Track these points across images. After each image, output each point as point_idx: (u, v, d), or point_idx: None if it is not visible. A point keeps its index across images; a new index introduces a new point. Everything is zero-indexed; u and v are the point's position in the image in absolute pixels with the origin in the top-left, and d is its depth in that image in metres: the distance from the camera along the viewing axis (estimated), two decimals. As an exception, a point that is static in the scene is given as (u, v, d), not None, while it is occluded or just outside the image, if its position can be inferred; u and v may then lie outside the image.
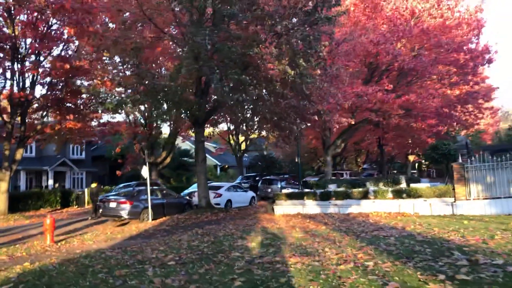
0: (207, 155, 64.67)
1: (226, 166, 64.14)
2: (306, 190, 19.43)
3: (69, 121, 22.82)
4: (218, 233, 12.33)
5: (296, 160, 66.21)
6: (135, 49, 17.51)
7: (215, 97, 18.14)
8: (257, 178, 40.47)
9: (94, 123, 29.36)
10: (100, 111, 26.56)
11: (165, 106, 16.29)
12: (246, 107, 15.76)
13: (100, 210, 20.01)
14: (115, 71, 20.04)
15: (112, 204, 19.42)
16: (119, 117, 39.30)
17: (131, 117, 31.72)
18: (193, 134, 38.23)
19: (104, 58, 21.39)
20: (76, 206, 30.26)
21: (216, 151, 59.57)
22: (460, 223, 12.31)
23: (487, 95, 31.85)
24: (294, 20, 16.59)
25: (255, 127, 18.13)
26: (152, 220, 18.95)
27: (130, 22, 17.32)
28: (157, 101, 15.13)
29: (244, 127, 17.99)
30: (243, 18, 14.93)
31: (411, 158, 59.26)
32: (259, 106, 16.26)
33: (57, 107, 21.90)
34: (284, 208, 18.74)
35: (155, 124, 29.50)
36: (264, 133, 28.92)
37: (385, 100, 24.89)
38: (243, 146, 47.52)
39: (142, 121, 32.72)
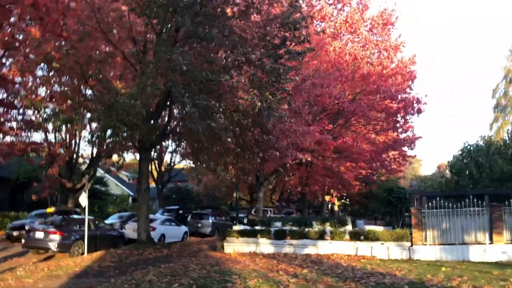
0: (119, 184, 61.00)
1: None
2: (257, 227, 18.52)
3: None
4: (190, 274, 10.97)
5: (218, 194, 65.01)
6: (92, 63, 15.94)
7: (171, 120, 16.91)
8: (180, 212, 38.57)
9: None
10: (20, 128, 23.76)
11: (117, 126, 14.61)
12: (211, 135, 14.68)
13: (23, 241, 17.40)
14: (56, 86, 17.92)
15: (39, 234, 17.02)
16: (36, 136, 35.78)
17: (52, 136, 28.76)
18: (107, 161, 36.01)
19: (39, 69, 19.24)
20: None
21: (133, 180, 56.71)
22: (435, 268, 12.20)
23: (411, 143, 33.63)
24: (262, 51, 16.09)
25: (207, 158, 16.94)
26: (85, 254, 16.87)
27: (83, 33, 15.72)
28: (114, 120, 13.54)
29: (202, 157, 16.66)
30: (219, 42, 14.14)
31: (327, 198, 60.96)
32: (225, 135, 15.30)
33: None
34: (235, 246, 17.64)
35: (89, 145, 26.88)
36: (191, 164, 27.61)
37: (322, 141, 25.14)
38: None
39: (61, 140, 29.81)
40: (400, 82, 28.81)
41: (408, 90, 29.78)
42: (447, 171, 51.19)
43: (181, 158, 42.67)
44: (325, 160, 28.70)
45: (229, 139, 15.73)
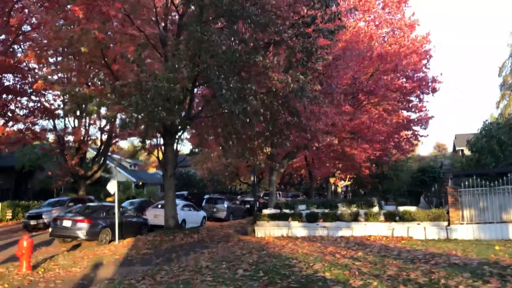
0: (121, 171, 60.52)
1: (140, 183, 60.90)
2: (286, 211, 18.24)
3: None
4: (243, 259, 10.67)
5: (222, 179, 64.81)
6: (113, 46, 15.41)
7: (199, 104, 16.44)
8: (189, 197, 38.23)
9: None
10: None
11: (155, 111, 14.03)
12: (245, 118, 14.26)
13: (50, 229, 17.02)
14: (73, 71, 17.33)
15: (66, 223, 16.64)
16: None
17: (61, 124, 28.19)
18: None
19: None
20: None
21: (139, 168, 56.24)
22: (487, 247, 11.99)
23: (424, 123, 33.40)
24: (293, 30, 15.60)
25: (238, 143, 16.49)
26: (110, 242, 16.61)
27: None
28: (152, 105, 13.02)
29: (232, 141, 16.22)
30: (255, 20, 13.61)
31: (332, 180, 60.89)
32: (257, 118, 14.89)
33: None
34: (266, 230, 17.39)
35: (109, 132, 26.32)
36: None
37: (339, 123, 24.80)
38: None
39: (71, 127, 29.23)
40: (416, 61, 28.46)
41: (424, 69, 29.50)
42: (466, 150, 51.37)
43: (192, 145, 41.91)
44: (340, 142, 28.43)
45: (261, 122, 15.33)
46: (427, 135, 35.69)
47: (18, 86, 22.34)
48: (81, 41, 15.17)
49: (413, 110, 31.08)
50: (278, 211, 17.91)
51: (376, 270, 8.33)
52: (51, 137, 28.56)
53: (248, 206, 35.64)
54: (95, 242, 16.78)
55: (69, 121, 28.95)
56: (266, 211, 17.93)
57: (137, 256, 12.93)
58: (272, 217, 17.43)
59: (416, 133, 34.21)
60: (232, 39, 14.14)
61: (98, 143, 30.78)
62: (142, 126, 17.58)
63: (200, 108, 18.67)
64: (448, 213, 15.83)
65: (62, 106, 24.39)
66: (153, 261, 11.78)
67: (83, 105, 15.69)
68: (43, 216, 22.50)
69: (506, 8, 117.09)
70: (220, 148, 17.68)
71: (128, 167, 64.34)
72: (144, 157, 72.85)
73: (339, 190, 68.90)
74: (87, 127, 28.69)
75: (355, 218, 16.78)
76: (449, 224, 15.76)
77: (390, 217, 16.42)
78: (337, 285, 6.94)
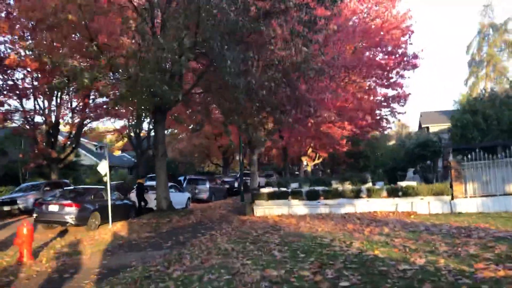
0: (87, 154, 58.20)
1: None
2: (283, 189, 17.69)
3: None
4: (264, 239, 10.02)
5: (195, 161, 63.68)
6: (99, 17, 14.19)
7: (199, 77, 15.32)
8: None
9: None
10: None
11: (154, 83, 12.88)
12: (249, 92, 13.46)
13: (34, 215, 15.78)
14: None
15: (53, 207, 15.48)
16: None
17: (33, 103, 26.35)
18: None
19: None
20: None
21: (112, 149, 54.18)
22: (505, 219, 11.85)
23: (404, 100, 33.43)
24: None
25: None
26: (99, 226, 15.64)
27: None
28: (152, 78, 11.92)
29: (232, 117, 15.35)
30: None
31: (304, 159, 60.91)
32: (261, 92, 14.11)
33: None
34: (265, 209, 16.78)
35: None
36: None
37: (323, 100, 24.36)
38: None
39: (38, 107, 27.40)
40: (398, 36, 28.24)
41: (403, 46, 29.29)
42: (433, 127, 52.00)
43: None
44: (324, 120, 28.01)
45: (264, 97, 14.57)
46: (405, 112, 35.88)
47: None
48: (66, 9, 13.93)
49: (394, 87, 30.91)
50: (276, 189, 17.32)
51: (424, 246, 7.87)
52: (17, 118, 26.83)
53: (227, 186, 34.90)
54: (84, 227, 15.75)
55: (37, 101, 27.30)
56: (264, 190, 17.30)
57: (141, 240, 12.04)
58: (271, 196, 16.83)
59: (394, 110, 34.28)
60: (234, 7, 13.15)
61: (67, 126, 29.20)
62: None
63: (191, 82, 17.62)
64: (451, 187, 15.70)
65: (34, 84, 22.82)
66: (163, 245, 10.95)
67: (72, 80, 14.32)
68: (18, 202, 21.10)
69: None
70: (194, 127, 16.64)
71: (94, 150, 62.11)
72: (110, 140, 70.62)
73: (308, 169, 69.29)
74: (57, 108, 27.13)
75: (357, 194, 16.42)
76: (452, 198, 15.64)
77: (393, 192, 16.15)
78: (402, 264, 6.39)
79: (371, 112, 31.19)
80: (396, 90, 31.38)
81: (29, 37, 19.13)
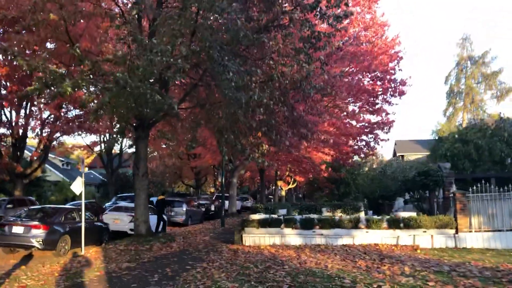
0: (52, 169, 55.25)
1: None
2: (274, 216, 16.31)
3: None
4: (270, 277, 8.61)
5: (167, 181, 61.64)
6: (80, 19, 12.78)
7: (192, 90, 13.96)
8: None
9: None
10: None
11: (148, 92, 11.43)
12: (248, 110, 12.23)
13: (-5, 238, 13.87)
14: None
15: (17, 229, 13.68)
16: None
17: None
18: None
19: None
20: None
21: (78, 166, 51.51)
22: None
23: (388, 127, 32.82)
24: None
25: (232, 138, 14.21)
26: (69, 251, 13.91)
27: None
28: (144, 86, 10.48)
29: (227, 135, 13.97)
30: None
31: (279, 183, 59.69)
32: (260, 110, 12.88)
33: None
34: (256, 237, 15.34)
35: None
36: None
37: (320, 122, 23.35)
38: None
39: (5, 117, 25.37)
40: (386, 62, 27.71)
41: (392, 72, 28.74)
42: (408, 156, 51.65)
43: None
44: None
45: (261, 115, 13.34)
46: (388, 139, 34.91)
47: None
48: (46, 9, 12.48)
49: (380, 113, 30.20)
50: (268, 216, 15.93)
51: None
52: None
53: (203, 209, 33.22)
54: (52, 253, 13.96)
55: (3, 111, 25.31)
56: (255, 217, 15.87)
57: (121, 272, 10.39)
58: (263, 223, 15.43)
59: (377, 137, 33.56)
60: (236, 16, 11.97)
61: (36, 138, 27.14)
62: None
63: (180, 96, 16.20)
64: (456, 220, 14.71)
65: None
66: (150, 280, 9.37)
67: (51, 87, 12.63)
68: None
69: (455, 17, 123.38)
70: (189, 144, 15.23)
71: (60, 165, 59.34)
72: (77, 155, 67.71)
73: (283, 193, 68.12)
74: (25, 119, 25.22)
75: (355, 225, 15.21)
76: (457, 232, 14.64)
77: (394, 223, 15.02)
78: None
79: (356, 137, 30.46)
80: (381, 116, 30.78)
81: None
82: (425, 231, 14.69)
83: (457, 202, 14.79)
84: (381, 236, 14.90)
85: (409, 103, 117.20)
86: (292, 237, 15.24)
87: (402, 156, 61.25)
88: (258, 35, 12.31)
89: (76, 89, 11.22)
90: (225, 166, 27.82)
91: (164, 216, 21.15)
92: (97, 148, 41.22)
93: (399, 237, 14.73)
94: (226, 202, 32.24)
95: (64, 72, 11.05)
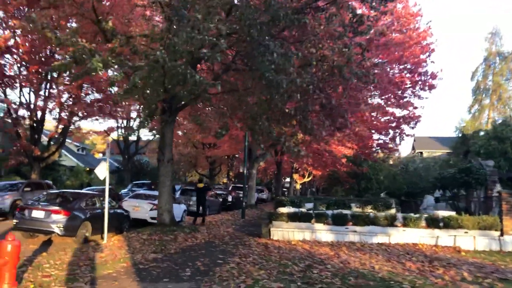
0: (68, 154, 54.83)
1: (88, 168, 56.04)
2: (303, 210, 15.53)
3: None
4: (316, 277, 7.79)
5: (182, 169, 61.25)
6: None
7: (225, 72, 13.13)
8: (152, 187, 34.48)
9: None
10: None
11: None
12: (284, 95, 11.38)
13: (14, 221, 13.25)
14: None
15: (38, 213, 13.02)
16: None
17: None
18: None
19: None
20: None
21: (93, 151, 51.34)
22: None
23: (415, 122, 31.69)
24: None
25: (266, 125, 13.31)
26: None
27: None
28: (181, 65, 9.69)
29: (262, 122, 13.08)
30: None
31: (295, 176, 58.82)
32: (296, 96, 12.01)
33: None
34: (284, 232, 14.54)
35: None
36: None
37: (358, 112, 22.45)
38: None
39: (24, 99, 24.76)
40: (418, 53, 26.56)
41: (424, 64, 27.57)
42: (426, 153, 50.43)
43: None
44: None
45: (299, 101, 12.48)
46: (414, 134, 33.50)
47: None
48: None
49: (407, 107, 29.04)
50: (297, 210, 15.12)
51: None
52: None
53: (220, 199, 32.49)
54: (72, 239, 13.33)
55: (22, 92, 24.72)
56: (284, 210, 15.06)
57: (149, 264, 9.66)
58: (292, 217, 14.61)
59: (402, 132, 32.35)
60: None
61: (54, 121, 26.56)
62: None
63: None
64: (501, 221, 13.75)
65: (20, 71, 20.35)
66: (181, 274, 8.62)
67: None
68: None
69: (484, 10, 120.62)
70: (220, 131, 14.41)
71: (75, 151, 59.07)
72: (91, 141, 67.44)
73: (297, 187, 67.31)
74: (44, 101, 24.59)
75: (391, 222, 14.32)
76: (502, 234, 13.68)
77: (433, 223, 14.10)
78: None
79: (382, 131, 29.46)
80: (408, 110, 29.65)
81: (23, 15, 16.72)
82: (466, 232, 13.76)
83: (503, 202, 13.82)
84: (418, 236, 14.01)
85: (430, 98, 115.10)
86: (323, 233, 14.41)
87: (421, 152, 60.06)
88: (300, 15, 11.44)
89: (105, 67, 10.41)
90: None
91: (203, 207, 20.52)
92: (113, 134, 40.74)
93: (438, 237, 13.83)
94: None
95: (94, 47, 10.21)
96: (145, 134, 43.85)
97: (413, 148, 67.05)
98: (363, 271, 8.59)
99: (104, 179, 13.37)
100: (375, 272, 8.48)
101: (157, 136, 46.34)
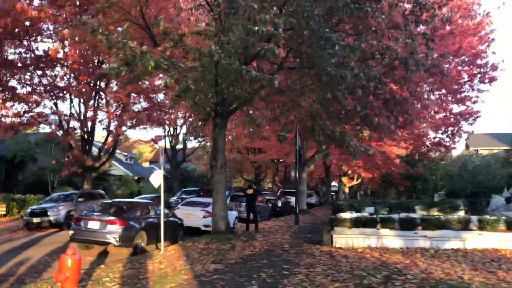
0: (116, 163, 55.57)
1: (136, 177, 56.84)
2: (365, 214, 14.59)
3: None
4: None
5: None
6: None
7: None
8: (201, 193, 34.16)
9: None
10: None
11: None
12: (348, 90, 10.58)
13: (71, 232, 13.04)
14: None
15: (93, 224, 12.74)
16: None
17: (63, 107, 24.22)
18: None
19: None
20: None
21: (141, 160, 52.04)
22: None
23: (475, 117, 29.88)
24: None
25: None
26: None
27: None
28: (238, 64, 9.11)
29: (322, 122, 12.29)
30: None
31: (344, 180, 57.35)
32: (358, 91, 11.17)
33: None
34: (348, 238, 13.63)
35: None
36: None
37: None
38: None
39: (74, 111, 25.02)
40: (476, 44, 24.93)
41: (483, 55, 25.85)
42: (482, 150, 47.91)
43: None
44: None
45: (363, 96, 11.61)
46: (472, 131, 31.40)
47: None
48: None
49: (465, 102, 27.33)
50: (361, 215, 14.17)
51: None
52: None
53: (270, 205, 31.78)
54: (127, 250, 13.00)
55: (72, 103, 25.01)
56: (346, 215, 14.13)
57: (210, 276, 9.05)
58: (356, 223, 13.66)
59: (460, 129, 30.37)
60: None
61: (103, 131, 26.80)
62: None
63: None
64: None
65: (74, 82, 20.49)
66: (248, 287, 7.95)
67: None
68: (48, 213, 18.58)
69: None
70: (283, 134, 13.61)
71: (124, 160, 60.06)
72: (138, 151, 68.43)
73: (346, 190, 65.66)
74: (94, 111, 24.75)
75: (465, 226, 13.14)
76: None
77: (515, 225, 12.81)
78: None
79: (439, 129, 27.89)
80: (466, 105, 27.92)
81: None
82: (554, 236, 12.41)
83: None
84: (498, 240, 12.73)
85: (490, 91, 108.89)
86: (390, 238, 13.38)
87: (476, 150, 57.20)
88: (359, 4, 10.61)
89: (157, 68, 9.95)
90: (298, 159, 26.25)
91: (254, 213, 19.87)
92: (160, 143, 40.91)
93: (522, 242, 12.53)
94: (293, 198, 30.85)
95: (145, 48, 9.78)
96: (191, 142, 43.92)
97: (467, 146, 64.11)
98: (452, 282, 7.62)
99: (159, 187, 12.91)
100: (466, 284, 7.50)
101: (203, 143, 46.26)
